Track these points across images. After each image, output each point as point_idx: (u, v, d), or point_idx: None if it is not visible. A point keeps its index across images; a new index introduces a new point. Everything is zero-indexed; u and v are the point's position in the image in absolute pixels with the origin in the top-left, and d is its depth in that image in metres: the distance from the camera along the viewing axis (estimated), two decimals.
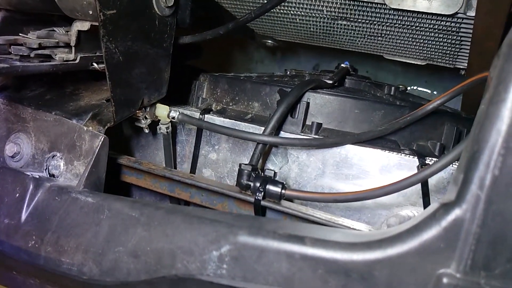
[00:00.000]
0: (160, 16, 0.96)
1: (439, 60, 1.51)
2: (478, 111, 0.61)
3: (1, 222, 0.88)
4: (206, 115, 1.13)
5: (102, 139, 0.92)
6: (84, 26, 0.89)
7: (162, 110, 1.05)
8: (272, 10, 1.48)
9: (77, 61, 0.94)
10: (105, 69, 0.86)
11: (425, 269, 0.59)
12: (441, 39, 1.32)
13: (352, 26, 1.42)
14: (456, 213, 0.57)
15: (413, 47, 1.46)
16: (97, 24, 0.86)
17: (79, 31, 0.91)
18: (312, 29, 1.55)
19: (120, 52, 0.88)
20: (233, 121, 1.10)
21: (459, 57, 1.42)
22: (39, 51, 0.92)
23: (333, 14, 1.39)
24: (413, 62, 1.60)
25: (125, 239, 0.78)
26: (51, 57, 0.94)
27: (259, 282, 0.66)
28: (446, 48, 1.37)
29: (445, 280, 0.57)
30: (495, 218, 0.55)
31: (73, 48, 0.93)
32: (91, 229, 0.81)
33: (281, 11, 1.47)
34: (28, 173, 0.92)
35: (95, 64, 0.98)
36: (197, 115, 1.13)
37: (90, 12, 0.84)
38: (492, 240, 0.55)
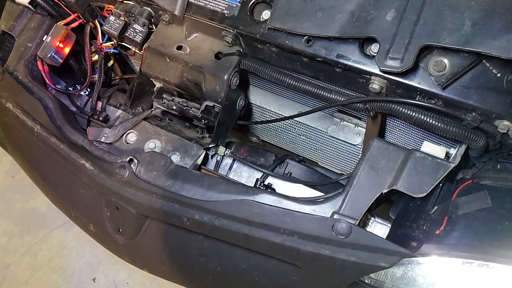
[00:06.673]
0: (238, 111, 2.19)
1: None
2: None
3: None
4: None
5: (204, 152, 2.04)
6: (210, 103, 2.08)
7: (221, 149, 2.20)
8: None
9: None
10: (217, 120, 2.04)
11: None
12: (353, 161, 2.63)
13: (307, 140, 2.71)
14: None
15: (336, 161, 2.76)
16: (219, 106, 2.06)
17: (206, 105, 2.09)
18: (285, 137, 2.82)
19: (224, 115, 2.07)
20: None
21: None
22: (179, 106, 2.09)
23: (299, 131, 2.68)
24: (334, 170, 2.89)
25: None
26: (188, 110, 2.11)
27: None
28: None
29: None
30: None
31: (199, 111, 2.10)
32: None
33: (275, 124, 2.74)
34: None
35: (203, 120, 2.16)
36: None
37: (219, 100, 2.04)
38: None
